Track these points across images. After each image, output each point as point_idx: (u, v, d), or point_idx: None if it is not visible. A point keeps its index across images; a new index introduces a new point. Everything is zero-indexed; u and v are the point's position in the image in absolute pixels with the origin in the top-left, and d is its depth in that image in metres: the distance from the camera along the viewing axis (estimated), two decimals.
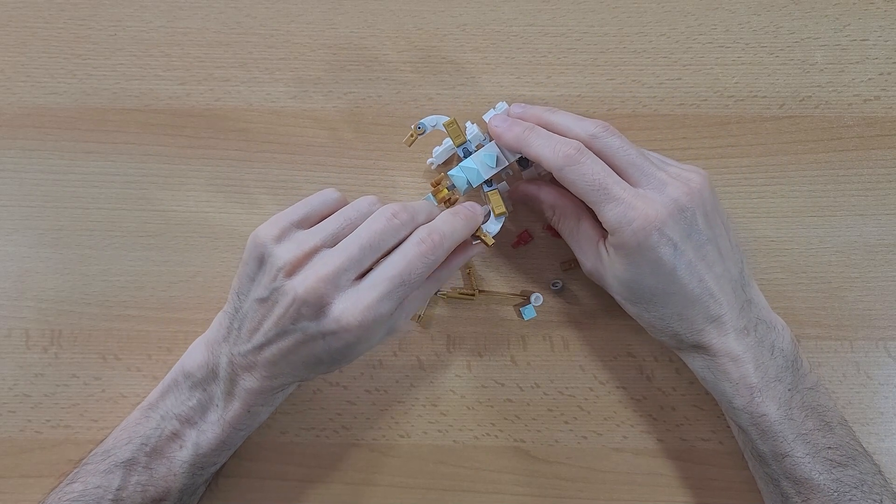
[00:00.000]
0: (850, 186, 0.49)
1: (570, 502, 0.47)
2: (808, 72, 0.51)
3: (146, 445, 0.41)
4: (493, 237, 0.43)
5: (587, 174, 0.39)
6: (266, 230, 0.39)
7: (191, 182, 0.50)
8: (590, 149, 0.40)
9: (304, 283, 0.37)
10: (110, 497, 0.40)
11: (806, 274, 0.49)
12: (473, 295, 0.48)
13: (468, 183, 0.44)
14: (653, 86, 0.51)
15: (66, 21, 0.52)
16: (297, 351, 0.39)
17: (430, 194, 0.45)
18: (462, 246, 0.42)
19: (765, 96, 0.51)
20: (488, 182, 0.45)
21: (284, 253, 0.38)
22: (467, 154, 0.45)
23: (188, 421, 0.41)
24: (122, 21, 0.52)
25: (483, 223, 0.44)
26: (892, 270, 0.49)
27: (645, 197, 0.39)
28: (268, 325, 0.39)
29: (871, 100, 0.50)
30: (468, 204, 0.43)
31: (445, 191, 0.45)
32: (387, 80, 0.51)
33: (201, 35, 0.52)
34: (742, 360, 0.40)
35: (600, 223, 0.41)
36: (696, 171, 0.41)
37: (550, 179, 0.46)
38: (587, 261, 0.43)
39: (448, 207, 0.44)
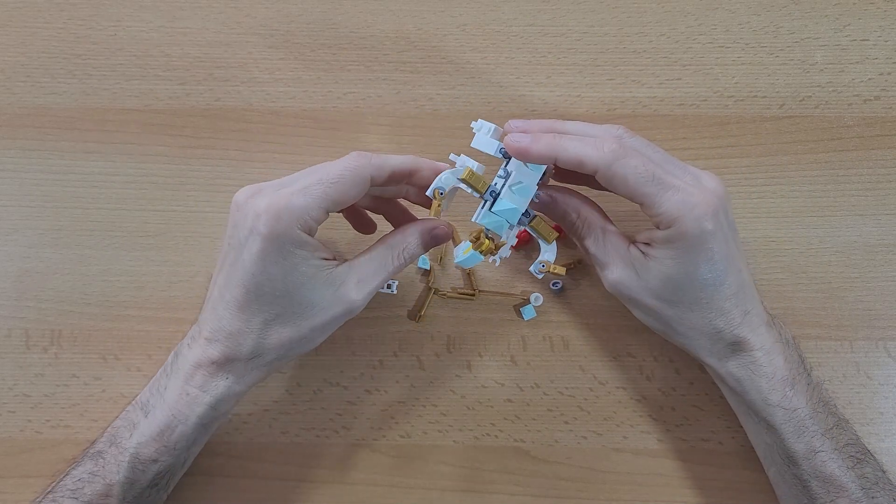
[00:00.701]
0: (850, 186, 0.49)
1: (570, 502, 0.47)
2: (808, 72, 0.51)
3: (114, 437, 0.40)
4: (558, 265, 0.42)
5: (638, 165, 0.37)
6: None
7: (191, 182, 0.50)
8: None
9: (237, 196, 0.39)
10: (73, 488, 0.39)
11: (806, 274, 0.49)
12: (473, 295, 0.48)
13: (507, 223, 0.40)
14: (653, 86, 0.51)
15: (66, 21, 0.52)
16: (229, 280, 0.39)
17: (472, 251, 0.41)
18: (424, 220, 0.42)
19: (765, 96, 0.51)
20: (527, 213, 0.41)
21: (241, 195, 0.39)
22: (495, 195, 0.40)
23: (144, 406, 0.40)
24: (122, 21, 0.52)
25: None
26: (892, 270, 0.49)
27: (693, 185, 0.38)
28: (217, 266, 0.40)
29: (871, 100, 0.50)
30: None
31: (487, 241, 0.41)
32: (387, 80, 0.51)
33: (201, 35, 0.52)
34: (773, 352, 0.40)
35: (621, 231, 0.41)
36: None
37: None
38: (615, 270, 0.41)
39: (494, 255, 0.42)
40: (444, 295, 0.49)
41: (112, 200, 0.50)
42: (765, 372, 0.40)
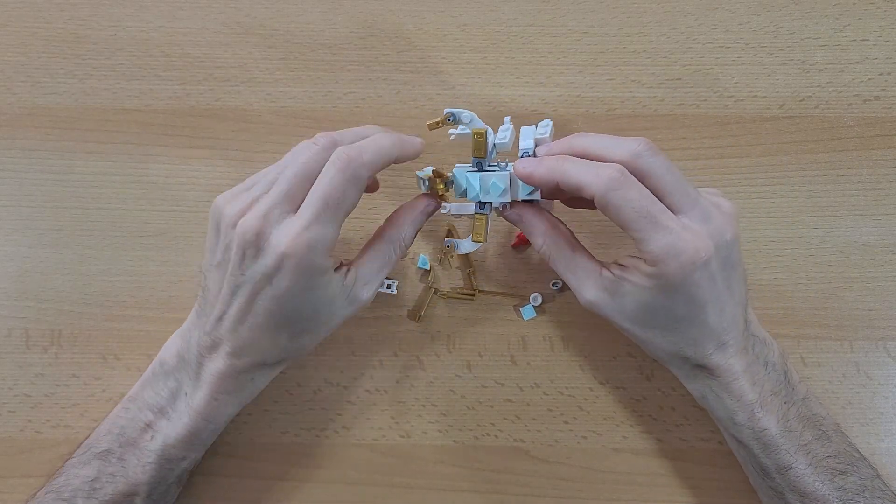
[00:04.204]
0: (850, 186, 0.49)
1: (570, 502, 0.47)
2: (808, 72, 0.51)
3: (122, 436, 0.41)
4: (459, 253, 0.43)
5: (634, 199, 0.36)
6: (220, 197, 0.40)
7: (191, 182, 0.50)
8: (633, 169, 0.37)
9: (242, 225, 0.38)
10: (86, 488, 0.40)
11: (806, 274, 0.49)
12: (473, 295, 0.48)
13: (464, 192, 0.43)
14: (653, 86, 0.51)
15: (66, 21, 0.52)
16: (252, 308, 0.38)
17: (426, 178, 0.43)
18: (412, 203, 0.43)
19: (765, 96, 0.51)
20: (481, 204, 0.43)
21: (231, 209, 0.39)
22: (479, 167, 0.42)
23: (160, 411, 0.41)
24: (122, 21, 0.52)
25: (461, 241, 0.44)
26: (892, 270, 0.49)
27: (691, 228, 0.37)
28: (224, 288, 0.39)
29: (871, 100, 0.50)
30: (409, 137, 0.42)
31: (442, 186, 0.43)
32: (387, 80, 0.51)
33: (201, 35, 0.52)
34: (741, 378, 0.40)
35: (592, 255, 0.41)
36: (724, 197, 0.41)
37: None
38: (587, 292, 0.41)
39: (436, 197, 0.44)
40: (445, 295, 0.49)
41: (112, 200, 0.50)
42: (732, 393, 0.40)
